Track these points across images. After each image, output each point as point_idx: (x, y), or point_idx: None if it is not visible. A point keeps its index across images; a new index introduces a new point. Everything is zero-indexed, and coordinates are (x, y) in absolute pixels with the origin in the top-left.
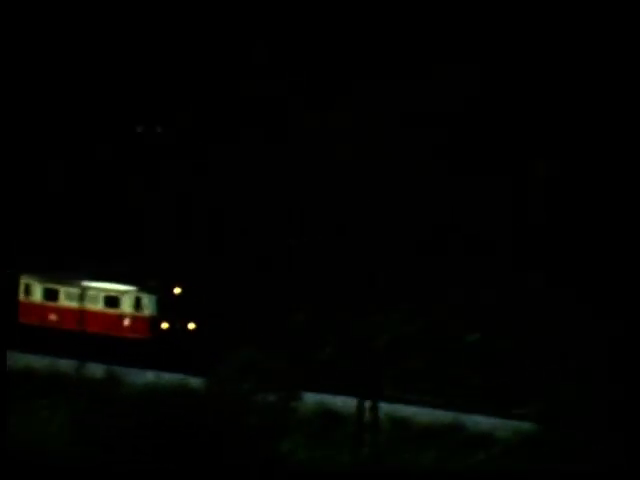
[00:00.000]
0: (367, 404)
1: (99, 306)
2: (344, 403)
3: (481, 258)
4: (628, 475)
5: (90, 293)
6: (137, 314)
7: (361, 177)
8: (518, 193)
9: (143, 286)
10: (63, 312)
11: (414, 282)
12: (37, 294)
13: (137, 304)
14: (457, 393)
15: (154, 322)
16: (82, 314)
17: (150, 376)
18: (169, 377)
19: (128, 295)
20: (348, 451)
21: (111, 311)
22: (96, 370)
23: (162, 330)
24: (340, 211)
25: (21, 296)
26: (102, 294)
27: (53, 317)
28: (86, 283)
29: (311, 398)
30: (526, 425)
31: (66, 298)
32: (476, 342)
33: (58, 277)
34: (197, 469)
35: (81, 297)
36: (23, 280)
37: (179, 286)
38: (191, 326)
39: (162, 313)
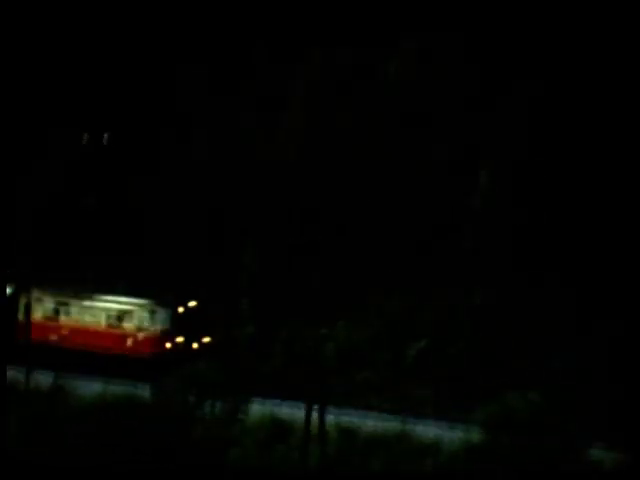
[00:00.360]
0: (315, 413)
1: (109, 321)
2: (292, 413)
3: (431, 259)
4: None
5: (100, 306)
6: (150, 328)
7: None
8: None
9: (157, 300)
10: (71, 327)
11: (365, 289)
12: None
13: (150, 318)
14: (405, 401)
15: (167, 337)
16: (91, 330)
17: (97, 387)
18: (116, 388)
19: (140, 309)
20: (296, 460)
21: (121, 326)
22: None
23: (176, 345)
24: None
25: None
26: (115, 307)
27: (61, 332)
28: (96, 297)
29: (259, 408)
30: (474, 433)
31: (74, 313)
32: (423, 349)
33: (68, 290)
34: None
35: (90, 312)
36: (34, 295)
37: (193, 300)
38: (206, 340)
39: (175, 327)
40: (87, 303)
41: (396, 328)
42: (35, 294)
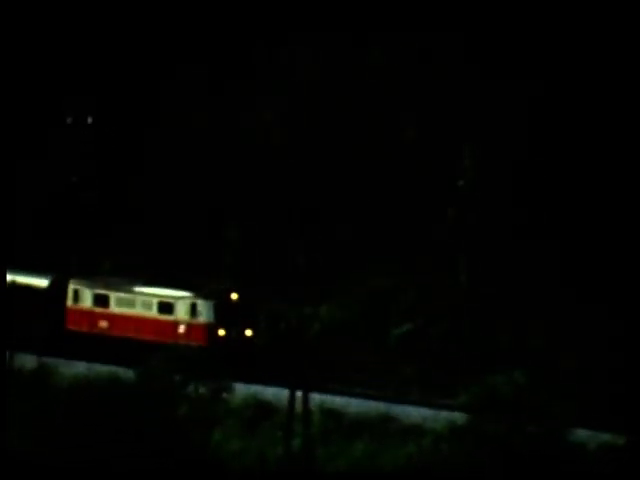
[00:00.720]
0: (298, 395)
1: (152, 312)
2: (275, 394)
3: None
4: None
5: (143, 299)
6: (193, 321)
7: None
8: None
9: (199, 292)
10: (114, 318)
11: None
12: (87, 300)
13: (193, 310)
14: (389, 384)
15: (211, 329)
16: (135, 320)
17: (81, 368)
18: (100, 369)
19: (183, 301)
20: (280, 442)
21: (165, 318)
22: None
23: (219, 337)
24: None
25: (70, 302)
26: (156, 300)
27: (104, 324)
28: (138, 289)
29: (242, 389)
30: (457, 415)
31: (117, 304)
32: (408, 332)
33: (108, 282)
34: (127, 458)
35: (133, 303)
36: (72, 286)
37: (236, 292)
38: (248, 333)
39: (219, 320)
40: (138, 290)
41: (381, 308)
42: (81, 283)
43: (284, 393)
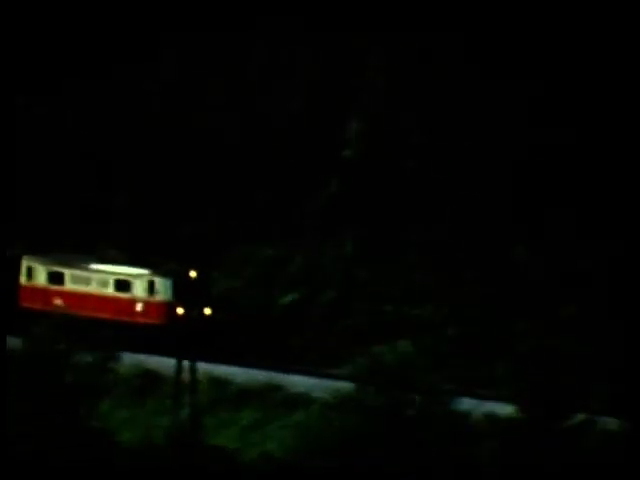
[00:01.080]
0: (185, 365)
1: (109, 290)
2: (162, 364)
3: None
4: None
5: (99, 277)
6: (151, 299)
7: None
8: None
9: (157, 270)
10: (69, 296)
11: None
12: (41, 277)
13: (151, 288)
14: (275, 354)
15: (169, 307)
16: (91, 298)
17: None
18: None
19: (141, 279)
20: (168, 411)
21: (122, 296)
22: None
23: (178, 316)
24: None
25: (23, 279)
26: (112, 278)
27: (58, 301)
28: (94, 266)
29: (130, 358)
30: (343, 385)
31: (73, 282)
32: (294, 301)
33: (63, 260)
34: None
35: (89, 281)
36: (25, 263)
37: (195, 270)
38: (207, 311)
39: (178, 298)
40: (94, 268)
41: (268, 278)
42: (35, 260)
43: (171, 362)
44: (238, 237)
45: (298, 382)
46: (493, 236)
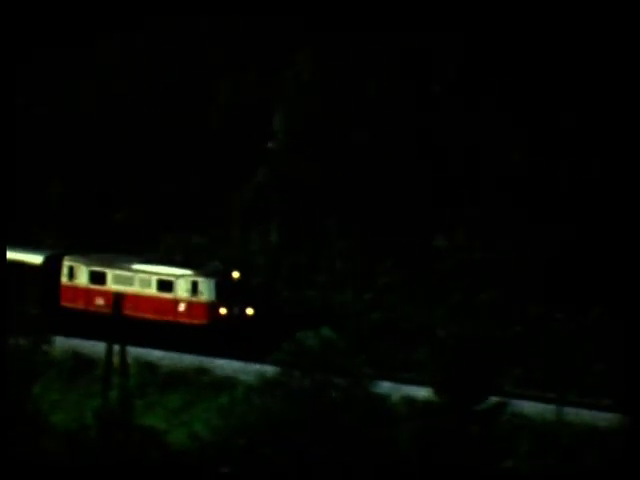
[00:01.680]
0: (116, 349)
1: (151, 290)
2: (93, 348)
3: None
4: None
5: (142, 277)
6: (194, 299)
7: None
8: None
9: (200, 270)
10: (111, 296)
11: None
12: (83, 277)
13: (194, 288)
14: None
15: (212, 307)
16: (133, 298)
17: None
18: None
19: (184, 279)
20: (98, 394)
21: (165, 296)
22: None
23: (220, 316)
24: None
25: (64, 279)
26: (155, 278)
27: (100, 301)
28: (137, 266)
29: (61, 342)
30: (267, 368)
31: (115, 282)
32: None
33: (105, 259)
34: None
35: (131, 281)
36: (67, 262)
37: (237, 271)
38: (250, 312)
39: (220, 298)
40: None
41: (195, 263)
42: (77, 259)
43: (101, 346)
44: (170, 224)
45: (225, 366)
46: (414, 225)
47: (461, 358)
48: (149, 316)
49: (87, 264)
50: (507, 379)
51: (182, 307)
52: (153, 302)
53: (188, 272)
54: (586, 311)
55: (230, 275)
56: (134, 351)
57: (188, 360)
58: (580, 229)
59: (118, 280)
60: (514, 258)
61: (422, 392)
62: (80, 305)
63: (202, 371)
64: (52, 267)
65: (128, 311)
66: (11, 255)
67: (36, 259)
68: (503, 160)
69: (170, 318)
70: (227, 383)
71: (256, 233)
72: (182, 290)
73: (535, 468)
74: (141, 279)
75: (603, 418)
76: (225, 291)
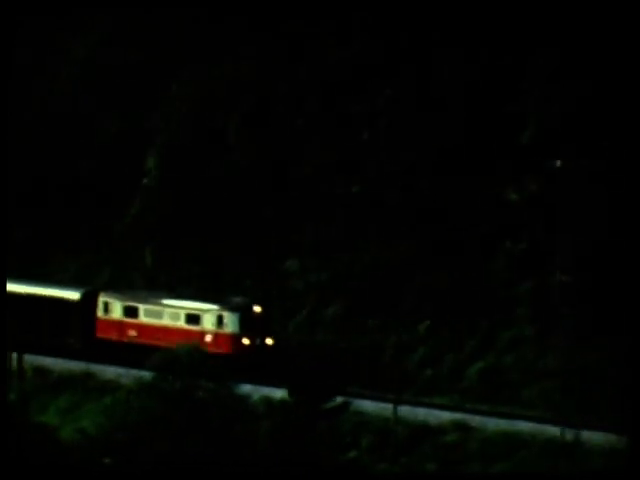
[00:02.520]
0: (13, 355)
1: (180, 323)
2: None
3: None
4: None
5: (171, 311)
6: (219, 331)
7: None
8: None
9: (225, 305)
10: (143, 328)
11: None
12: (117, 311)
13: (219, 321)
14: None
15: (236, 339)
16: (163, 330)
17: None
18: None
19: (211, 313)
20: None
21: (192, 328)
22: None
23: (244, 346)
24: None
25: (99, 313)
26: (184, 312)
27: (133, 333)
28: (167, 301)
29: None
30: (145, 373)
31: (146, 315)
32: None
33: (137, 295)
34: None
35: (161, 314)
36: (102, 298)
37: (259, 305)
38: (269, 342)
39: (244, 330)
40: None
41: (82, 284)
42: (111, 295)
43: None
44: (59, 247)
45: (108, 371)
46: (269, 249)
47: (310, 364)
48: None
49: (121, 300)
50: (351, 381)
51: (209, 338)
52: (182, 334)
53: (214, 307)
54: (418, 323)
55: (252, 309)
56: (28, 358)
57: (76, 366)
58: (415, 245)
59: (149, 314)
60: (357, 277)
61: (279, 393)
62: (114, 336)
63: (88, 375)
64: (88, 302)
65: (159, 342)
66: (50, 292)
67: (74, 295)
68: (347, 188)
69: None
70: (110, 386)
71: (134, 256)
72: (209, 323)
73: (375, 459)
74: (171, 313)
75: (434, 415)
76: (248, 323)
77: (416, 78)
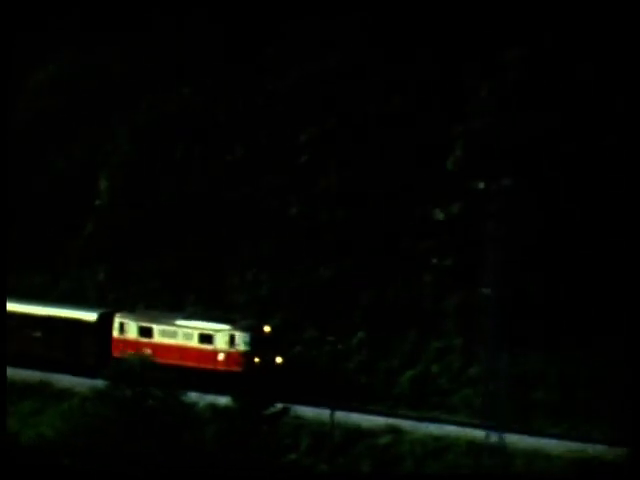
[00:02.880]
0: None
1: (193, 342)
2: None
3: None
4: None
5: (184, 331)
6: (231, 350)
7: None
8: None
9: (236, 325)
10: (157, 347)
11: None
12: (132, 331)
13: (231, 341)
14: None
15: (248, 357)
16: (177, 349)
17: None
18: None
19: (223, 333)
20: None
21: (205, 347)
22: None
23: (254, 364)
24: None
25: (115, 333)
26: (197, 332)
27: (148, 351)
28: (180, 322)
29: None
30: (99, 382)
31: (160, 335)
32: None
33: (152, 316)
34: None
35: (175, 334)
36: (118, 319)
37: (268, 325)
38: (279, 360)
39: (254, 349)
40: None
41: (38, 299)
42: (127, 316)
43: None
44: (18, 264)
45: (64, 380)
46: (213, 265)
47: (252, 372)
48: (191, 364)
49: (136, 320)
50: (291, 389)
51: (221, 357)
52: (195, 353)
53: (227, 327)
54: (353, 334)
55: (262, 329)
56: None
57: (34, 375)
58: (350, 262)
59: (164, 334)
60: (294, 291)
61: (223, 400)
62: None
63: (46, 384)
64: (104, 323)
65: (173, 360)
66: (69, 313)
67: (91, 317)
68: (276, 212)
69: (210, 366)
70: (66, 393)
71: (88, 273)
72: (221, 342)
73: (313, 461)
74: (184, 333)
75: (367, 419)
76: (258, 343)
77: (350, 111)
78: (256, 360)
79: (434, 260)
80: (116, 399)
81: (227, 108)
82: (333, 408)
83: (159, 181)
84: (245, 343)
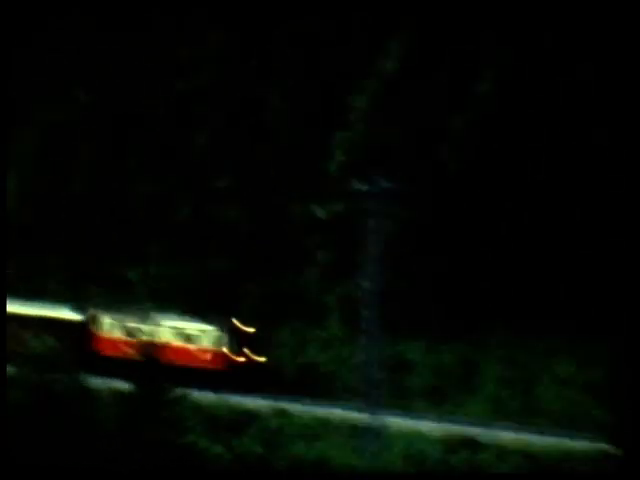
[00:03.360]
0: None
1: (179, 342)
2: None
3: None
4: None
5: (170, 330)
6: (216, 349)
7: None
8: None
9: (221, 326)
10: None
11: None
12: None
13: (217, 341)
14: None
15: (231, 356)
16: (162, 348)
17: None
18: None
19: (208, 333)
20: None
21: (190, 346)
22: None
23: (238, 363)
24: None
25: (102, 332)
26: (182, 332)
27: (129, 350)
28: (165, 321)
29: None
30: (9, 369)
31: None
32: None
33: (135, 315)
34: None
35: (159, 333)
36: (104, 319)
37: (252, 325)
38: (262, 359)
39: (237, 349)
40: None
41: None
42: (109, 314)
43: None
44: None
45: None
46: (115, 260)
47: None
48: (177, 363)
49: (123, 320)
50: (190, 375)
51: (206, 356)
52: (181, 352)
53: (211, 327)
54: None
55: (246, 330)
56: None
57: None
58: (244, 257)
59: (149, 334)
60: (193, 285)
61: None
62: (117, 354)
63: None
64: (90, 323)
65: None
66: (56, 313)
67: (77, 316)
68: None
69: (195, 365)
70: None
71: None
72: (206, 342)
73: (209, 442)
74: (170, 332)
75: (259, 404)
76: (241, 343)
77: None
78: (239, 359)
79: (319, 255)
80: (23, 384)
81: (127, 110)
82: (226, 393)
83: (66, 176)
84: (228, 343)
